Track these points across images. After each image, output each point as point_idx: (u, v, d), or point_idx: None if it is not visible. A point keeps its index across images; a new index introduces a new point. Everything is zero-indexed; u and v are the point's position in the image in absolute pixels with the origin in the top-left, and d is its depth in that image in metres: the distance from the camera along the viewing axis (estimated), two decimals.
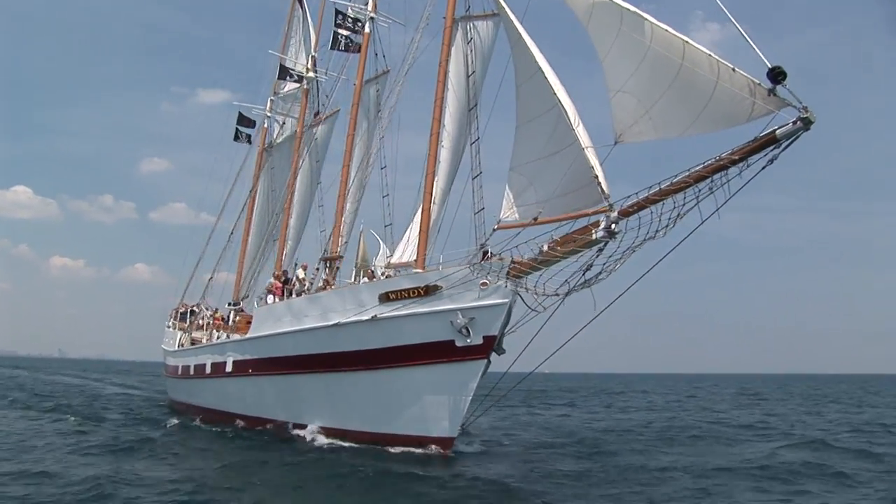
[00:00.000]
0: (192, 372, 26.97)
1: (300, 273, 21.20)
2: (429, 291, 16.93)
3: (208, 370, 24.82)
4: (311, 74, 31.85)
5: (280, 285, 22.34)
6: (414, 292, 17.12)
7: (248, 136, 37.14)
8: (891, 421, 29.49)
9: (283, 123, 34.33)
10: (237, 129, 37.11)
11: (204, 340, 28.82)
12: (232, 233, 33.69)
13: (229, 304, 30.28)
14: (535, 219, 16.19)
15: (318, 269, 20.80)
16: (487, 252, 17.25)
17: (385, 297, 17.54)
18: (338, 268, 21.00)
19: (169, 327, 34.72)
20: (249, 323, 28.88)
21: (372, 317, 17.55)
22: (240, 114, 37.24)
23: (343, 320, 18.17)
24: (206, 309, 30.55)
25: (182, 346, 29.99)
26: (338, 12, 26.86)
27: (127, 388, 50.60)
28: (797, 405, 43.56)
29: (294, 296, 20.98)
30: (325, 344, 18.73)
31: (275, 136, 36.95)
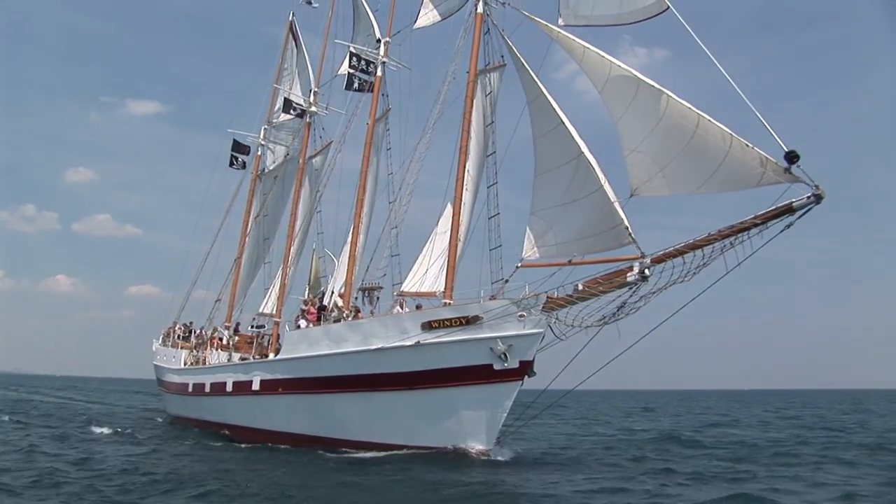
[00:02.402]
0: (207, 390, 28.19)
1: (338, 301, 23.01)
2: (470, 321, 19.15)
3: (229, 388, 26.17)
4: (313, 109, 33.79)
5: (314, 311, 24.07)
6: (456, 322, 19.28)
7: (244, 163, 38.70)
8: None
9: (288, 154, 35.98)
10: (232, 155, 38.68)
11: (210, 360, 30.19)
12: (238, 257, 35.06)
13: (251, 327, 31.61)
14: (570, 261, 18.65)
15: (356, 297, 22.68)
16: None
17: (427, 326, 19.60)
18: (377, 297, 23.00)
19: (164, 345, 35.83)
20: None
21: (416, 342, 19.62)
22: (235, 140, 38.85)
23: (386, 345, 20.19)
24: (221, 329, 31.85)
25: (190, 364, 31.13)
26: (352, 55, 29.06)
27: (96, 403, 50.57)
28: None
29: (331, 322, 22.77)
30: (367, 366, 20.51)
31: (268, 164, 38.72)
